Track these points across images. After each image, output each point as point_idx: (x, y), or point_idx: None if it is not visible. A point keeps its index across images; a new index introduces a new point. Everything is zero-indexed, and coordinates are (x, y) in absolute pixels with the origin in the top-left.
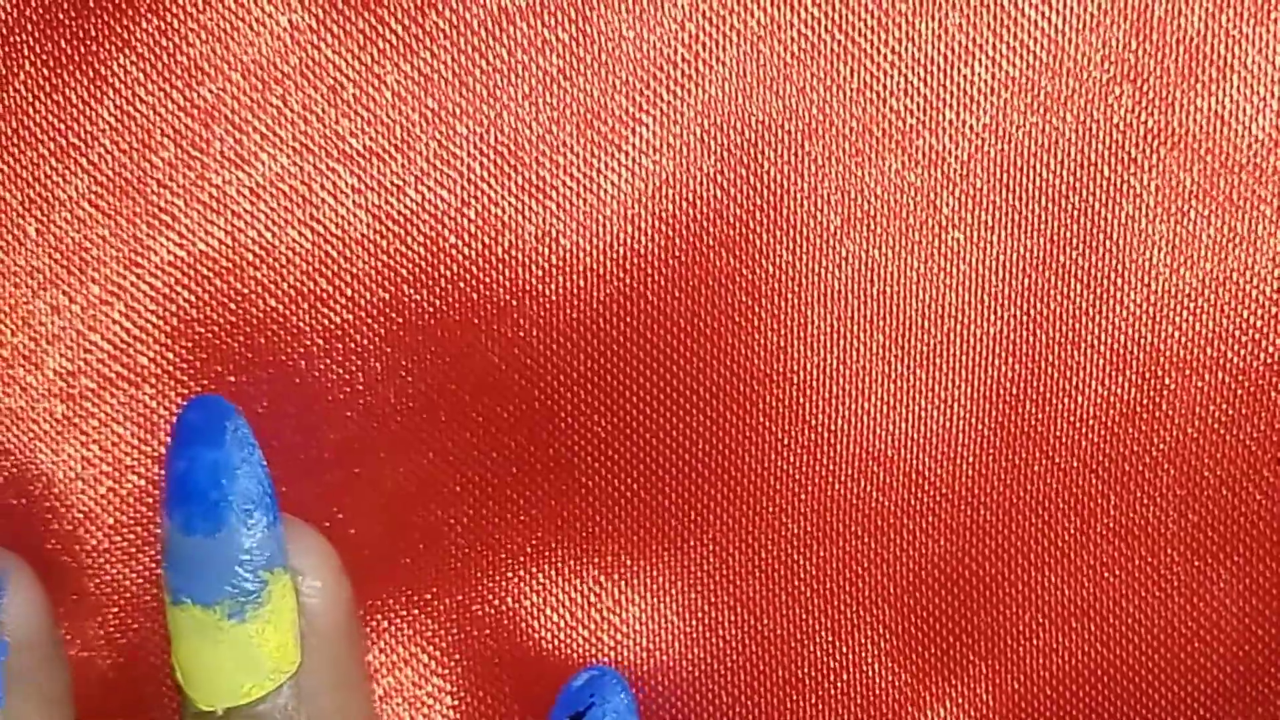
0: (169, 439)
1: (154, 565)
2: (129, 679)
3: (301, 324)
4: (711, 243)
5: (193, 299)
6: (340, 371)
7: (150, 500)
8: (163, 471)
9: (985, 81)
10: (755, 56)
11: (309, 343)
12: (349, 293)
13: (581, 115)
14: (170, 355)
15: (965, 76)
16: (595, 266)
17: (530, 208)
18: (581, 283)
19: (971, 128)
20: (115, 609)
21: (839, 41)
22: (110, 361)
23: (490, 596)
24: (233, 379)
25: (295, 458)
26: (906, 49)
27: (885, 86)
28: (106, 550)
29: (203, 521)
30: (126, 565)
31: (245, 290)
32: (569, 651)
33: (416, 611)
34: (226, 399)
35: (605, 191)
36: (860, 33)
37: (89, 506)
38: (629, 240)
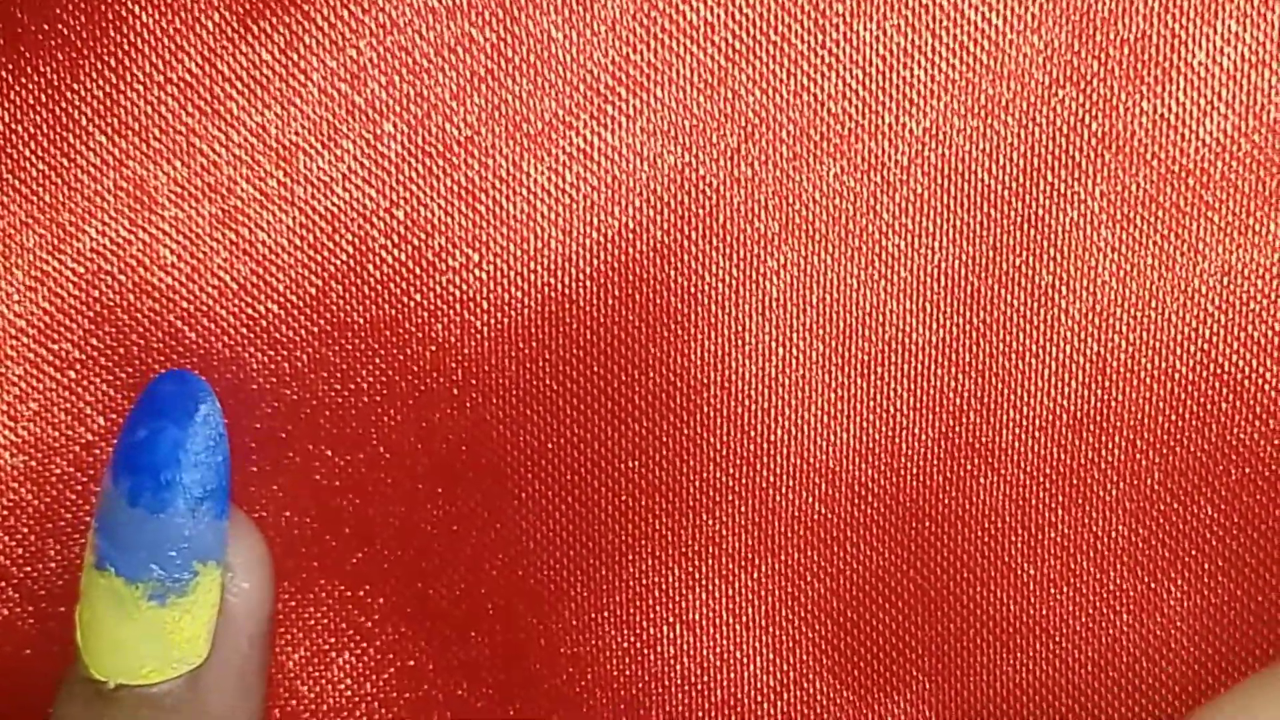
0: (136, 403)
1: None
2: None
3: (227, 313)
4: (645, 249)
5: (116, 285)
6: (264, 360)
7: (78, 487)
8: (120, 433)
9: (924, 84)
10: (688, 59)
11: (234, 332)
12: (276, 285)
13: (510, 118)
14: (95, 341)
15: (904, 79)
16: (527, 273)
17: (461, 210)
18: (513, 289)
19: (911, 131)
20: (43, 593)
21: (774, 43)
22: (36, 347)
23: (422, 600)
24: (157, 365)
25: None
26: (844, 51)
27: (822, 89)
28: (34, 536)
29: (150, 497)
30: (55, 552)
31: (168, 279)
32: (507, 667)
33: (351, 607)
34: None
35: (536, 196)
36: (796, 34)
37: (15, 492)
38: (560, 247)
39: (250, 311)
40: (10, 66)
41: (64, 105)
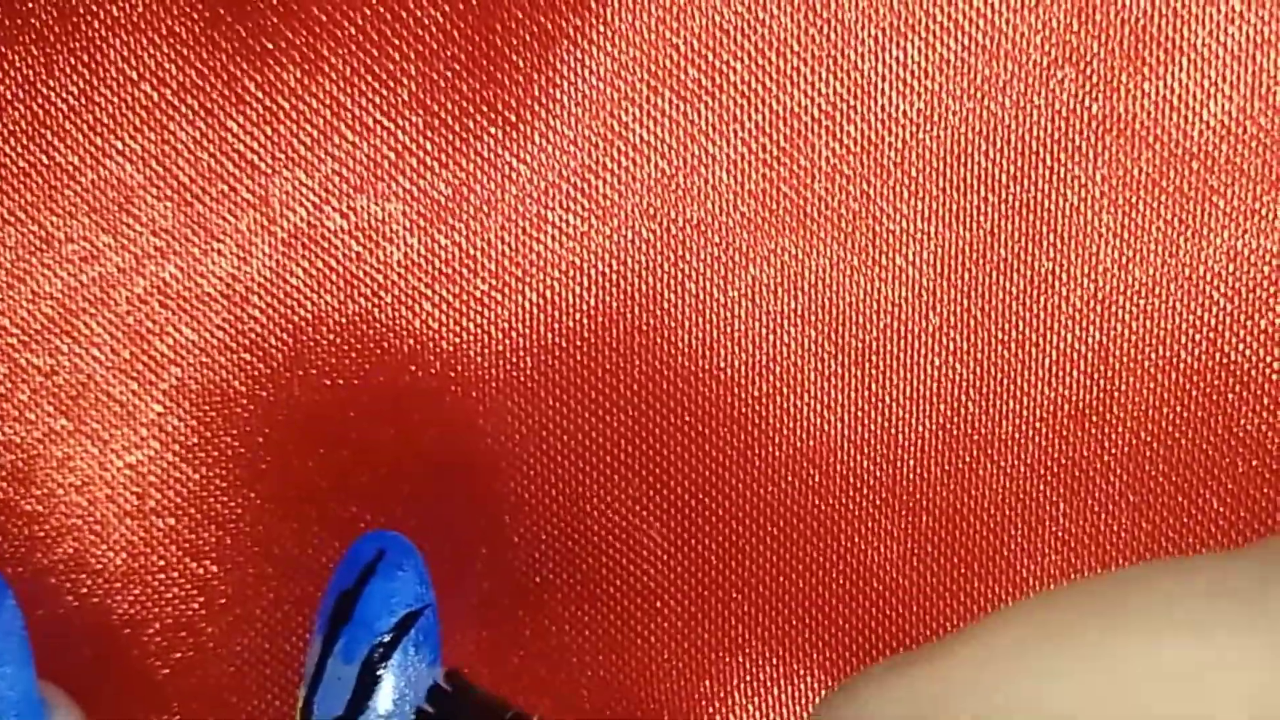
0: None
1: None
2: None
3: (201, 314)
4: (632, 236)
5: (96, 286)
6: (241, 360)
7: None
8: None
9: (918, 64)
10: (674, 39)
11: (209, 332)
12: (250, 283)
13: (493, 106)
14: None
15: (897, 59)
16: (512, 267)
17: (438, 204)
18: (495, 281)
19: (905, 113)
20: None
21: (761, 21)
22: (19, 345)
23: None
24: (138, 364)
25: (197, 445)
26: (834, 29)
27: (812, 69)
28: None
29: None
30: (42, 555)
31: (144, 279)
32: (493, 660)
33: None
34: None
35: (516, 186)
36: (785, 10)
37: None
38: (546, 238)
39: (226, 313)
40: None
41: (39, 101)
